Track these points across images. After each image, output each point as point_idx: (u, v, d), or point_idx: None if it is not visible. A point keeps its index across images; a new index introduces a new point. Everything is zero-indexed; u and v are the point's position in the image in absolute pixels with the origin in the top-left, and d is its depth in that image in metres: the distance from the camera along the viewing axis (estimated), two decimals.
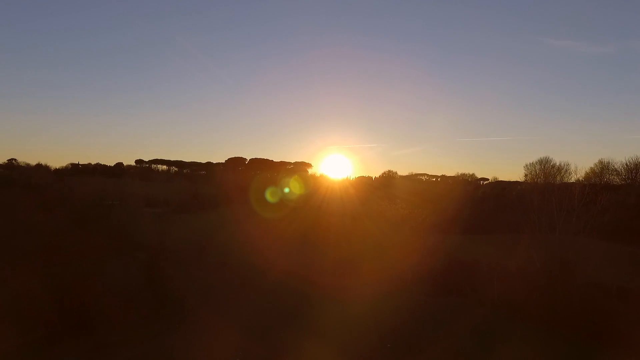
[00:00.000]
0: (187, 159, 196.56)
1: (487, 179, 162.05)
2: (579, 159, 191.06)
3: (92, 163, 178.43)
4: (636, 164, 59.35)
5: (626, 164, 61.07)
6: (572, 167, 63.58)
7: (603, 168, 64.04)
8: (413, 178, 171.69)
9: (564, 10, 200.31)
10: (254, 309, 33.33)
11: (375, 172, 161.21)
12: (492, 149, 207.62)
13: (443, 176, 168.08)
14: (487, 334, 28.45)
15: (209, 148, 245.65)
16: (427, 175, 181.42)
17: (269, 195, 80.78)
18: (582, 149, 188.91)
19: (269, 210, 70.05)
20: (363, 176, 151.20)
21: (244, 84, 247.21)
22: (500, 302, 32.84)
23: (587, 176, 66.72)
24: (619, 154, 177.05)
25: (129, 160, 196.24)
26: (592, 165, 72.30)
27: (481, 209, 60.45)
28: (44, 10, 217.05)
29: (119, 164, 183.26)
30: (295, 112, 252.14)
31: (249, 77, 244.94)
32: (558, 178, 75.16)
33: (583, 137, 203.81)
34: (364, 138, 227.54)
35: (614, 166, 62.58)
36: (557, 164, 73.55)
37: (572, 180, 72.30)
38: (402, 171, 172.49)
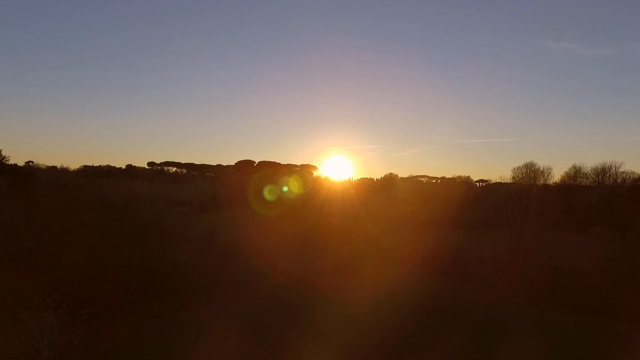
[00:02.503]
0: (188, 160, 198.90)
1: (487, 181, 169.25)
2: (578, 160, 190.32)
3: (103, 165, 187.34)
4: (602, 169, 69.15)
5: (595, 169, 71.07)
6: (554, 170, 72.54)
7: (576, 172, 73.76)
8: (413, 180, 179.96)
9: (562, 13, 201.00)
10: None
11: (377, 174, 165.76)
12: (493, 150, 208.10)
13: (443, 178, 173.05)
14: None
15: (212, 150, 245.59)
16: (427, 177, 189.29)
17: (267, 194, 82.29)
18: (581, 150, 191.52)
19: (267, 209, 71.56)
20: (365, 178, 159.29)
21: (245, 86, 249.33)
22: (476, 277, 42.37)
23: (563, 179, 76.53)
24: (618, 155, 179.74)
25: (133, 162, 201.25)
26: (567, 170, 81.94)
27: (470, 208, 69.78)
28: (42, 12, 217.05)
29: (129, 166, 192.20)
30: (296, 113, 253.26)
31: (250, 79, 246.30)
32: (542, 180, 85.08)
33: (582, 138, 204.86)
34: (365, 139, 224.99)
35: (584, 171, 72.44)
36: (540, 167, 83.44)
37: (552, 182, 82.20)
38: (404, 172, 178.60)
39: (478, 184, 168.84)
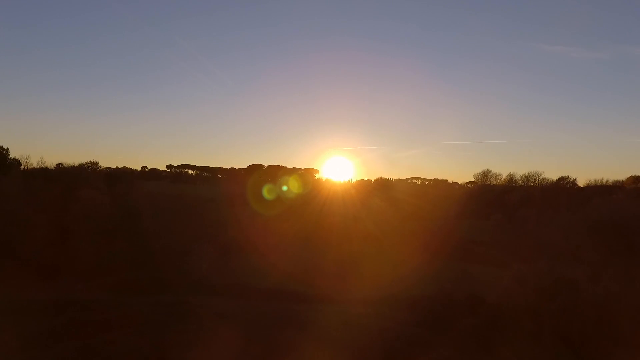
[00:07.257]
0: (196, 162, 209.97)
1: (475, 182, 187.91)
2: (577, 161, 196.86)
3: (119, 167, 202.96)
4: (528, 177, 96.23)
5: (522, 176, 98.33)
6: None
7: (511, 178, 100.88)
8: (407, 182, 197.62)
9: (557, 15, 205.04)
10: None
11: (376, 175, 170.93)
12: (491, 151, 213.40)
13: (435, 179, 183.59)
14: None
15: (212, 151, 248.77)
16: (421, 178, 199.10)
17: (266, 193, 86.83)
18: (579, 151, 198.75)
19: (266, 208, 76.40)
20: (362, 179, 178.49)
21: (245, 87, 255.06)
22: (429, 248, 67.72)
23: (504, 182, 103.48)
24: (617, 156, 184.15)
25: (139, 163, 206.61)
26: (505, 176, 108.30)
27: (434, 204, 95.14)
28: (43, 12, 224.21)
29: (144, 168, 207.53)
30: (297, 114, 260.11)
31: (250, 80, 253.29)
32: (495, 183, 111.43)
33: (579, 140, 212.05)
34: (365, 140, 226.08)
35: (515, 177, 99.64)
36: (495, 173, 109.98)
37: (501, 183, 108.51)
38: (404, 174, 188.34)
39: (468, 185, 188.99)
